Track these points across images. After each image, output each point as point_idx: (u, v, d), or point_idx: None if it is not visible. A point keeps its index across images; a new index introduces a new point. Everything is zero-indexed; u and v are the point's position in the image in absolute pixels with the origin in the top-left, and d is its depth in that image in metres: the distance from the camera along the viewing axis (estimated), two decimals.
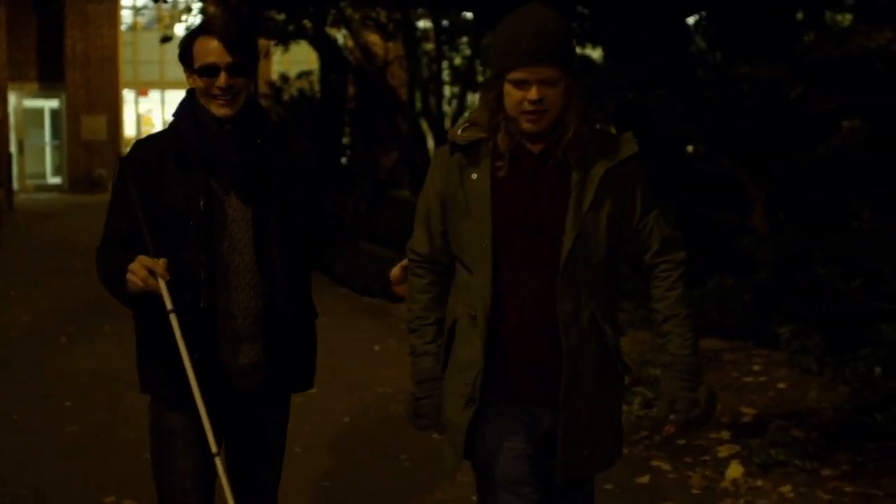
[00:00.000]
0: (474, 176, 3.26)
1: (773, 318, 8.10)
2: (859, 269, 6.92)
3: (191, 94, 3.65)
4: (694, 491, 5.91)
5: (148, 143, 3.68)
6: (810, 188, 9.46)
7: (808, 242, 7.98)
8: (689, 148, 11.18)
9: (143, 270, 3.37)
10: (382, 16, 17.15)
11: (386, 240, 14.01)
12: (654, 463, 6.35)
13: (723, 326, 8.78)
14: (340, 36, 21.58)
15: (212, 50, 3.52)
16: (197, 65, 3.55)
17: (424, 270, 3.40)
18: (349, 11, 17.36)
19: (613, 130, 9.48)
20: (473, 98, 21.58)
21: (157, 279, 3.38)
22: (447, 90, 19.95)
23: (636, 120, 10.14)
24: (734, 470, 6.10)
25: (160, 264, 3.38)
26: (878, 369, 6.82)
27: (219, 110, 3.55)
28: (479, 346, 3.24)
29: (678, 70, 11.36)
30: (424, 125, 18.62)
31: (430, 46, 19.87)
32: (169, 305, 3.40)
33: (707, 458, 6.41)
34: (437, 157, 3.41)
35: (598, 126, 3.37)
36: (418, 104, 18.56)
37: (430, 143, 18.65)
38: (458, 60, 21.56)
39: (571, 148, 3.20)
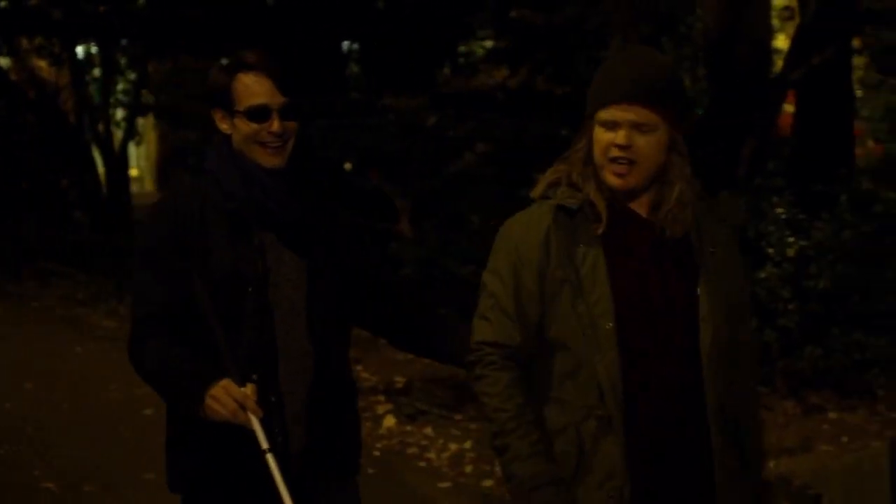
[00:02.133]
0: (582, 246, 2.80)
1: None
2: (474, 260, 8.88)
3: (224, 140, 3.11)
4: None
5: (183, 195, 3.12)
6: (448, 199, 11.33)
7: (444, 243, 9.86)
8: (347, 165, 12.84)
9: (232, 403, 2.82)
10: (56, 46, 17.87)
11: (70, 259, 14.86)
12: None
13: None
14: (3, 62, 21.87)
15: (262, 89, 3.03)
16: (242, 106, 3.03)
17: (511, 363, 2.81)
18: (23, 41, 17.97)
19: None
20: (143, 121, 22.53)
21: (247, 414, 2.83)
22: (117, 113, 20.72)
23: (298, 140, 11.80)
24: (388, 420, 7.78)
25: (250, 396, 2.85)
26: None
27: (268, 160, 3.04)
28: (618, 451, 2.74)
29: (334, 94, 13.00)
30: (95, 150, 19.36)
31: (97, 72, 20.58)
32: (265, 445, 2.85)
33: (367, 414, 8.04)
34: (526, 225, 2.87)
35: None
36: (89, 129, 19.29)
37: (101, 168, 19.32)
38: (122, 85, 22.27)
39: (678, 214, 2.81)
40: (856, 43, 13.46)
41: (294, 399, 3.03)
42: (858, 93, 17.84)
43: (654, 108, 2.76)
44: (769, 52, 10.23)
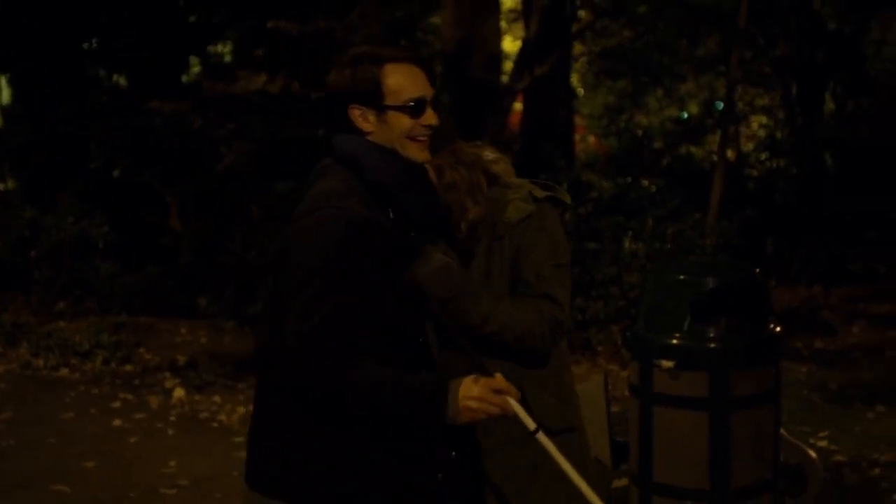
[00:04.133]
0: None
1: (194, 293, 10.79)
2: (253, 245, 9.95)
3: (369, 141, 2.88)
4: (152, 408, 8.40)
5: (356, 205, 2.81)
6: (214, 193, 12.22)
7: (217, 232, 10.82)
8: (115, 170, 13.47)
9: (497, 396, 2.73)
10: None
11: None
12: (122, 396, 8.75)
13: (156, 305, 11.28)
14: None
15: (418, 81, 2.89)
16: (402, 100, 2.85)
17: None
18: None
19: None
20: None
21: (508, 401, 2.77)
22: None
23: (73, 146, 12.43)
24: (178, 392, 8.70)
25: (503, 380, 2.78)
26: None
27: (421, 155, 2.91)
28: None
29: (79, 96, 13.44)
30: None
31: None
32: (532, 426, 2.84)
33: (157, 388, 8.92)
34: (557, 217, 3.45)
35: None
36: None
37: None
38: None
39: None
40: (577, 48, 15.08)
41: None
42: (580, 92, 19.69)
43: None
44: (500, 60, 11.55)
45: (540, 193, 3.40)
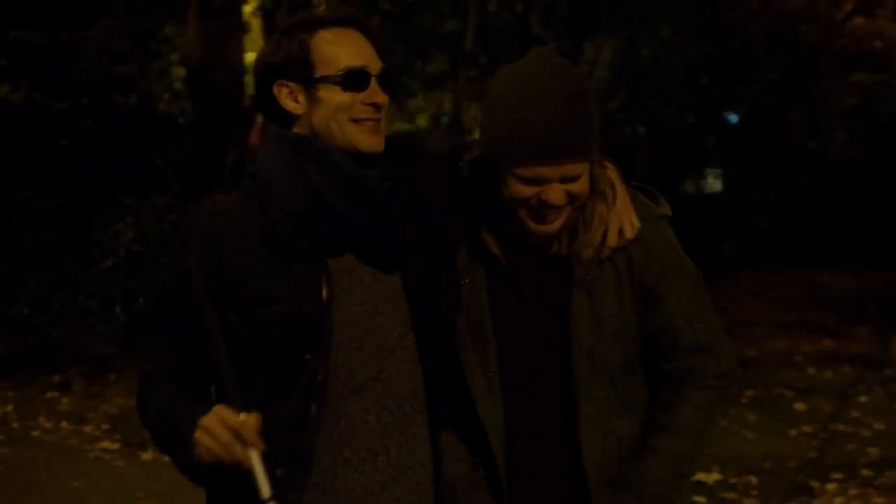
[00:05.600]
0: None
1: None
2: None
3: (280, 130, 2.35)
4: None
5: (218, 208, 2.35)
6: None
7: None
8: None
9: (225, 432, 2.13)
10: None
11: None
12: None
13: None
14: None
15: (359, 49, 2.32)
16: (337, 69, 2.29)
17: None
18: None
19: None
20: None
21: (246, 449, 2.13)
22: None
23: None
24: None
25: (251, 423, 2.14)
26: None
27: (368, 140, 2.30)
28: None
29: None
30: None
31: None
32: (266, 493, 2.14)
33: None
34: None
35: None
36: None
37: None
38: None
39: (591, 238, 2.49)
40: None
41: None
42: None
43: (586, 158, 2.35)
44: (243, 75, 12.04)
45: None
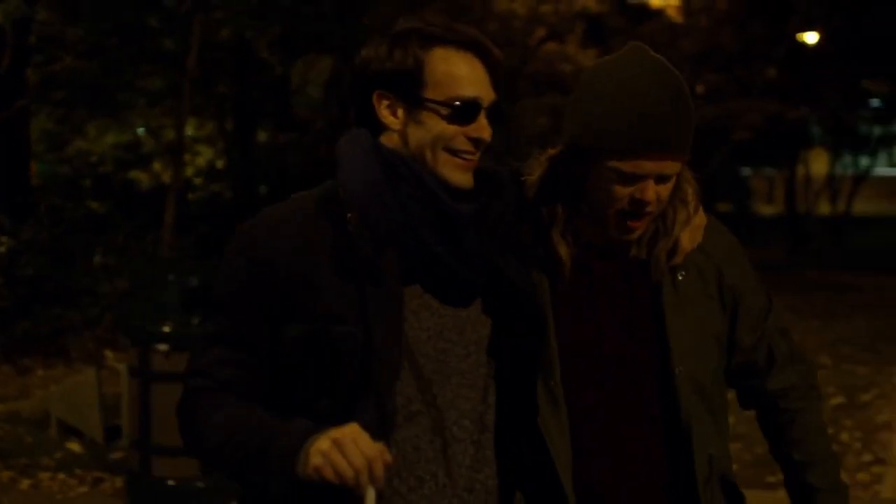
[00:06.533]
0: None
1: None
2: None
3: (373, 141, 2.18)
4: None
5: (283, 213, 2.20)
6: None
7: None
8: None
9: (361, 456, 1.95)
10: None
11: None
12: None
13: None
14: None
15: (475, 77, 2.16)
16: (447, 95, 2.14)
17: None
18: None
19: None
20: None
21: (370, 482, 1.96)
22: None
23: None
24: None
25: (385, 457, 1.98)
26: None
27: (460, 177, 2.16)
28: None
29: None
30: None
31: None
32: None
33: None
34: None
35: None
36: None
37: None
38: None
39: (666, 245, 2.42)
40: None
41: None
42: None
43: (685, 156, 2.30)
44: None
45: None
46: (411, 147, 2.15)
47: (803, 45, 20.00)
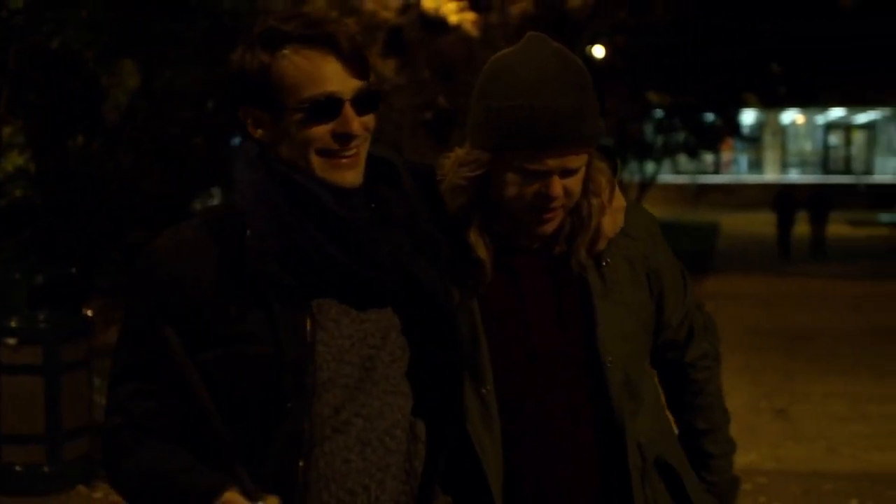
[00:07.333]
0: None
1: None
2: None
3: (258, 151, 2.10)
4: None
5: (182, 237, 2.11)
6: None
7: None
8: None
9: None
10: None
11: None
12: None
13: None
14: None
15: (326, 72, 2.03)
16: (303, 95, 2.02)
17: None
18: None
19: None
20: None
21: None
22: None
23: None
24: None
25: None
26: None
27: (343, 175, 2.06)
28: None
29: None
30: None
31: None
32: None
33: None
34: None
35: None
36: None
37: None
38: None
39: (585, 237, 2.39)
40: None
41: None
42: None
43: (588, 147, 2.25)
44: None
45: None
46: (285, 157, 2.05)
47: (591, 58, 21.31)
